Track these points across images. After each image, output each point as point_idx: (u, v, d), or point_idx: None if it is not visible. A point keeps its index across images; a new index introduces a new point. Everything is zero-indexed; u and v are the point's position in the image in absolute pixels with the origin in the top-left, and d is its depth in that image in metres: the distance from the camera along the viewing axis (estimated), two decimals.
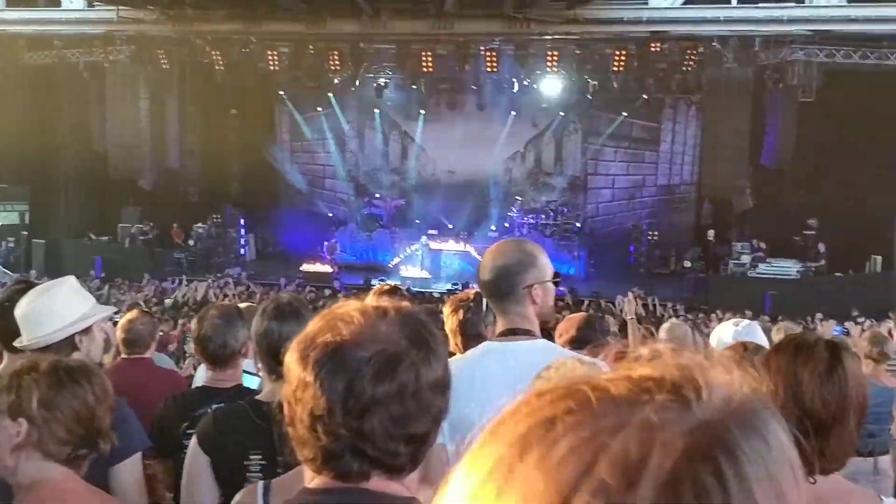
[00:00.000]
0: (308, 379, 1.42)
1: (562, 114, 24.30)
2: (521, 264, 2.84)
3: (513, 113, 23.99)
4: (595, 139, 24.95)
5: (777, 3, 18.54)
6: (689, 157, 24.22)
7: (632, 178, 25.12)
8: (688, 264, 21.49)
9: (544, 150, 25.32)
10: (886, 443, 5.54)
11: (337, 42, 21.41)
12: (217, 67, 21.90)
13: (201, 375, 4.46)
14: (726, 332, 4.16)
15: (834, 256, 19.62)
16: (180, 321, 13.23)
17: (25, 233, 23.36)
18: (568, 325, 4.40)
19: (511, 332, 2.85)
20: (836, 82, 19.05)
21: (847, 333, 11.25)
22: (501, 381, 2.69)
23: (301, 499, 1.51)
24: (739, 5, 18.69)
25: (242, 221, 24.78)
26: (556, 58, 20.71)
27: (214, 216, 24.25)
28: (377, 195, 24.70)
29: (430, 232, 23.01)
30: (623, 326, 6.44)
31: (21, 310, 3.36)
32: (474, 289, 3.56)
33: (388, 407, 1.41)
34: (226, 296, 16.97)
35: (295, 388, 1.45)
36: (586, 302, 17.83)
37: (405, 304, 1.58)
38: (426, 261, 22.13)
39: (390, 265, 22.85)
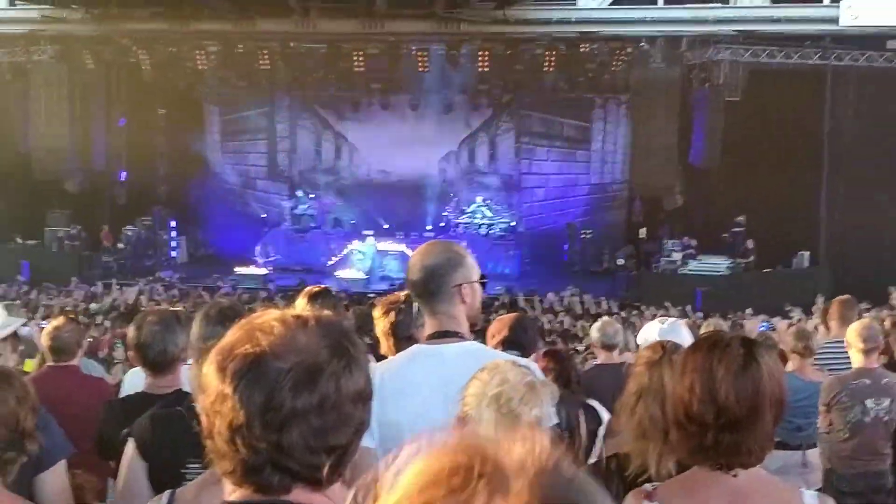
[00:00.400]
0: (226, 391, 1.38)
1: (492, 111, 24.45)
2: (450, 263, 2.83)
3: (445, 113, 24.03)
4: (527, 139, 25.16)
5: (703, 3, 18.91)
6: (620, 156, 24.45)
7: (565, 177, 25.31)
8: (621, 262, 21.71)
9: (478, 149, 25.44)
10: (813, 436, 5.69)
11: (267, 41, 21.19)
12: (144, 67, 21.47)
13: (131, 381, 4.38)
14: (652, 330, 4.23)
15: (762, 252, 19.90)
16: (108, 326, 13.02)
17: None
18: (500, 325, 4.38)
19: (441, 335, 2.83)
20: (761, 81, 19.49)
21: (773, 329, 11.49)
22: (432, 385, 2.68)
23: None
24: (666, 6, 19.02)
25: (173, 223, 24.23)
26: (486, 57, 20.82)
27: (144, 218, 23.72)
28: (311, 195, 24.47)
29: (366, 232, 22.86)
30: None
31: None
32: (406, 290, 3.54)
33: (309, 419, 1.38)
34: (155, 300, 16.68)
35: (213, 400, 1.40)
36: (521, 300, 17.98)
37: (326, 312, 1.55)
38: (363, 261, 21.99)
39: (326, 266, 22.64)
